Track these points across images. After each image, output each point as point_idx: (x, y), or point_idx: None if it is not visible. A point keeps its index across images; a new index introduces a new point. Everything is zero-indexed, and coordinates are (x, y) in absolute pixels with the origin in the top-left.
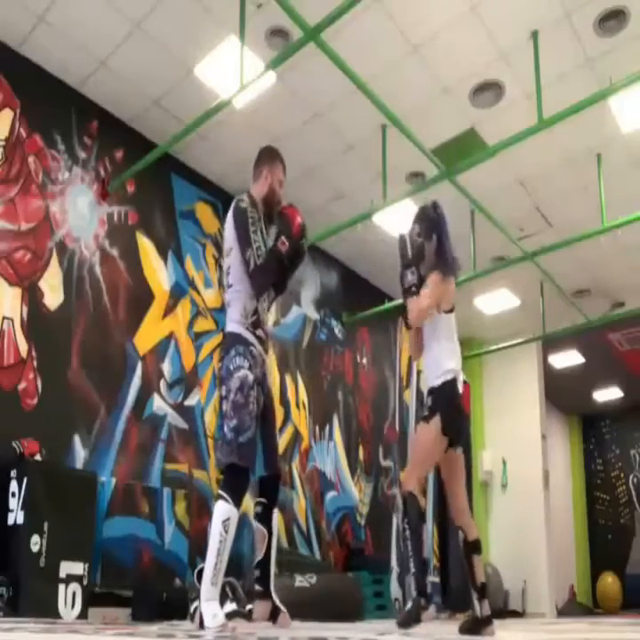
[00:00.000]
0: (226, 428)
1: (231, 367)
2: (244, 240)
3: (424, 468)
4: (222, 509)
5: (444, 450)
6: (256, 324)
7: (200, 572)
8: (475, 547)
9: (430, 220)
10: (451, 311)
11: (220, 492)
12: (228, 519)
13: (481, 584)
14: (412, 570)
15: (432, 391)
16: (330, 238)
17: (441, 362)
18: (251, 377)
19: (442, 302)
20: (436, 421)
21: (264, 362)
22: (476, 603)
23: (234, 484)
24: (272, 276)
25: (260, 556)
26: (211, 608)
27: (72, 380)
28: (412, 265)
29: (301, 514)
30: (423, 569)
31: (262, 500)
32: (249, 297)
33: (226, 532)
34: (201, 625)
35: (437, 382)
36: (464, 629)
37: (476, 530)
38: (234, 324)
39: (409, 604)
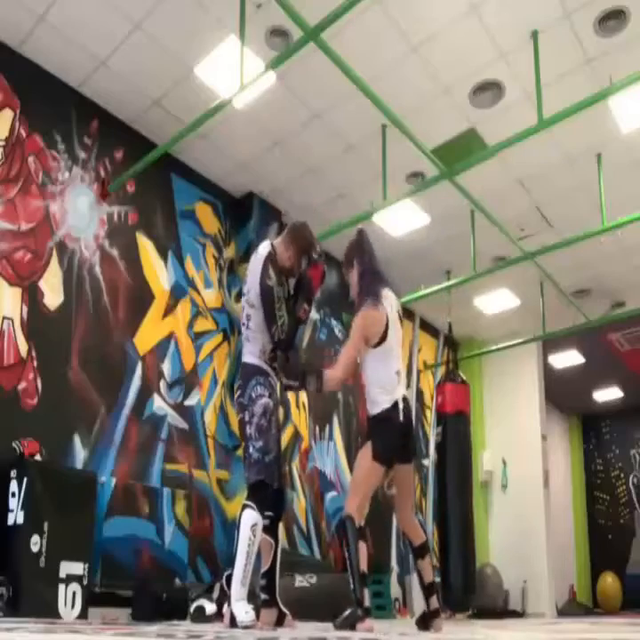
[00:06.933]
0: (251, 449)
1: (253, 395)
2: (269, 316)
3: (363, 490)
4: (250, 516)
5: (385, 471)
6: (273, 358)
7: (229, 578)
8: (419, 551)
9: (349, 250)
10: (378, 345)
11: (247, 502)
12: (255, 524)
13: (428, 583)
14: (352, 585)
15: (368, 418)
16: (330, 238)
17: (374, 395)
18: (271, 404)
19: (368, 340)
20: (368, 448)
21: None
22: (423, 600)
23: (259, 497)
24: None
25: (266, 565)
26: (242, 607)
27: (72, 379)
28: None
29: (301, 514)
30: (361, 582)
31: (269, 513)
32: (268, 340)
33: (254, 536)
34: (232, 623)
35: (374, 411)
36: (418, 622)
37: (421, 535)
38: (253, 358)
39: (348, 611)
